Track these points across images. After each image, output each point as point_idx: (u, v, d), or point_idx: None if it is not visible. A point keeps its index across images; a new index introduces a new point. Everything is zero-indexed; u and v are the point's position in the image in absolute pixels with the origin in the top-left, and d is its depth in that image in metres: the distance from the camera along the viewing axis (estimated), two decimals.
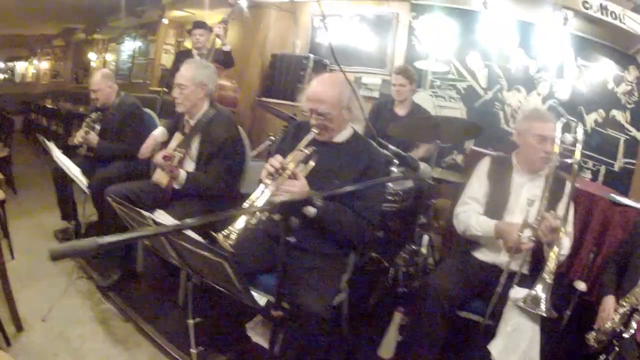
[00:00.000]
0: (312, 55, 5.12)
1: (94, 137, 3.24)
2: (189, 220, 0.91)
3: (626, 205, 2.89)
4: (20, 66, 14.26)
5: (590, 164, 4.22)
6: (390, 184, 2.92)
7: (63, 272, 2.89)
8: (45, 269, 3.01)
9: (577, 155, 2.05)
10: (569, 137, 2.11)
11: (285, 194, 1.77)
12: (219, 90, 4.31)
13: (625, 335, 1.89)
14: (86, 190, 2.79)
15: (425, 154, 3.45)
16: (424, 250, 2.99)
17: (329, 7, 5.39)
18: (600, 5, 3.81)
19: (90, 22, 8.82)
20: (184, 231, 1.36)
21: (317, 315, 1.73)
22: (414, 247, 2.95)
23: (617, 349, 1.88)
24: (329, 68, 5.19)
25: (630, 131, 4.15)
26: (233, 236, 1.63)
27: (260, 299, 1.47)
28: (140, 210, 1.53)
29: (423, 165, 2.01)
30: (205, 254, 1.33)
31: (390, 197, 2.96)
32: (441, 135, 2.77)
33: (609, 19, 3.80)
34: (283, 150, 2.03)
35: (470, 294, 2.12)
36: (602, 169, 4.20)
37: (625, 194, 3.96)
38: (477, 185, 2.36)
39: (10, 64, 14.16)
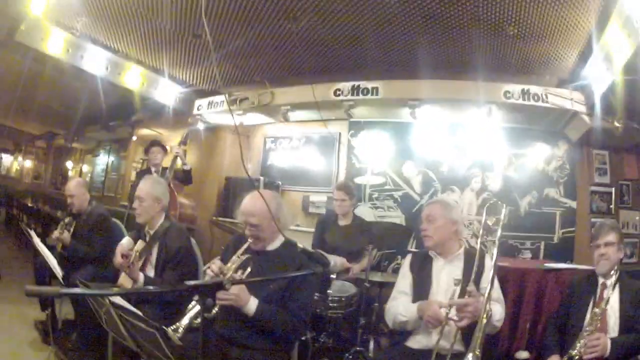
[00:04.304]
0: (262, 178, 5.45)
1: (67, 237, 3.60)
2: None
3: (559, 269, 3.09)
4: (7, 159, 14.92)
5: (528, 243, 4.45)
6: (331, 291, 3.12)
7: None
8: (26, 356, 3.18)
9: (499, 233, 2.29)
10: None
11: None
12: (179, 208, 4.61)
13: None
14: (61, 280, 2.96)
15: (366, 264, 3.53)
16: (370, 354, 3.11)
17: (278, 130, 5.81)
18: (522, 90, 3.96)
19: (70, 130, 9.15)
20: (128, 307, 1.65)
21: None
22: (357, 349, 3.08)
23: None
24: (280, 189, 5.51)
25: (565, 203, 4.46)
26: (180, 330, 1.98)
27: None
28: (99, 291, 1.82)
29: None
30: (140, 324, 1.56)
31: (333, 305, 3.10)
32: (374, 239, 2.99)
33: (532, 102, 3.95)
34: (226, 259, 2.28)
35: None
36: (542, 244, 4.43)
37: (570, 260, 4.19)
38: (403, 280, 2.53)
39: None
